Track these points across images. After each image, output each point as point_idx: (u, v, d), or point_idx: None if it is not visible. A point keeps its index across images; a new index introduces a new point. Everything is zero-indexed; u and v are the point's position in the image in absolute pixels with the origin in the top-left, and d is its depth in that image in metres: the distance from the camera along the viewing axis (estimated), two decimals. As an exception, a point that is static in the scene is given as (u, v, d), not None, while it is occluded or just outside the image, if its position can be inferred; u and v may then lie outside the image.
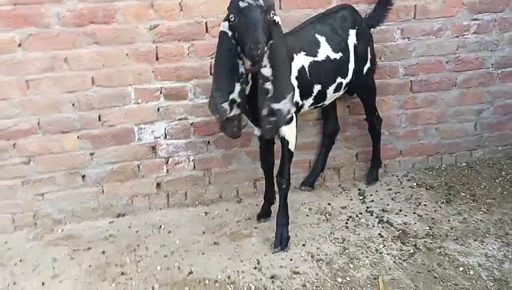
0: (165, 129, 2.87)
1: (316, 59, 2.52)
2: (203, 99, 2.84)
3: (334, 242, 2.62)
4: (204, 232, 2.75)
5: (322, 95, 2.62)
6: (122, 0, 2.58)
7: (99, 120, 2.75)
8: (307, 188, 3.15)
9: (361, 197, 3.09)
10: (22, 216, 2.83)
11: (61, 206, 2.86)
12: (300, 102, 2.53)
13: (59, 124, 2.70)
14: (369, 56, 2.81)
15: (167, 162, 2.95)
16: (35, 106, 2.63)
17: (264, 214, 2.83)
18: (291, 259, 2.49)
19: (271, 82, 2.18)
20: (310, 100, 2.59)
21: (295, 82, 2.43)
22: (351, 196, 3.11)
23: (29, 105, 2.62)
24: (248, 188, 3.12)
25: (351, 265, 2.43)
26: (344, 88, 2.74)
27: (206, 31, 2.73)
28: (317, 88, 2.56)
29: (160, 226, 2.83)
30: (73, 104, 2.68)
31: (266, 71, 2.17)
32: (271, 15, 2.09)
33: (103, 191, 2.90)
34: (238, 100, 2.23)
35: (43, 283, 2.36)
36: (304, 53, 2.49)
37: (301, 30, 2.59)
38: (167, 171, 2.97)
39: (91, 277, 2.41)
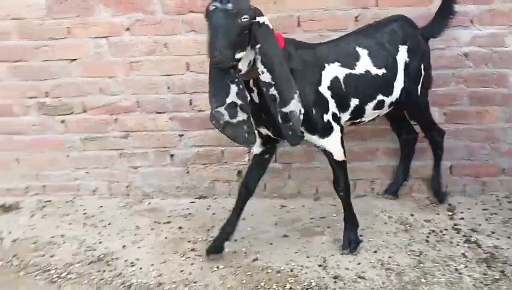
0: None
1: (353, 71, 2.34)
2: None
3: (409, 254, 2.45)
4: (276, 224, 2.77)
5: (359, 111, 2.41)
6: (222, -9, 2.70)
7: (190, 104, 2.92)
8: (389, 196, 2.98)
9: (449, 213, 2.84)
10: (117, 185, 3.13)
11: (151, 181, 3.10)
12: (338, 114, 2.34)
13: (155, 104, 2.92)
14: (422, 73, 2.55)
15: (249, 152, 3.02)
16: (136, 86, 2.88)
17: (213, 250, 2.45)
18: (358, 263, 2.39)
19: (274, 86, 2.02)
20: (346, 115, 2.39)
21: (327, 92, 2.27)
22: (438, 210, 2.87)
23: (131, 84, 2.88)
24: (327, 187, 3.04)
25: (423, 280, 2.25)
26: (389, 107, 2.51)
27: (298, 25, 2.74)
28: (354, 102, 2.37)
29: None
30: (168, 87, 2.89)
31: (265, 76, 2.01)
32: (243, 19, 1.91)
33: (188, 172, 3.07)
34: (239, 102, 2.06)
35: (123, 246, 2.58)
36: (339, 64, 2.31)
37: (340, 41, 2.43)
38: (248, 160, 3.04)
39: (164, 248, 2.57)
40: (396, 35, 2.45)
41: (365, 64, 2.37)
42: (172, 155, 3.05)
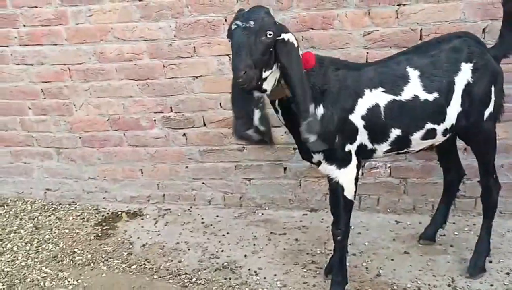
0: (365, 133, 2.94)
1: (397, 98, 2.08)
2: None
3: (546, 277, 2.30)
4: (394, 239, 2.73)
5: (403, 141, 2.17)
6: (341, 8, 2.74)
7: (306, 118, 2.97)
8: (426, 241, 2.66)
9: None
10: (231, 196, 3.25)
11: (264, 193, 3.19)
12: (370, 146, 2.15)
13: (271, 119, 3.00)
14: (493, 98, 2.20)
15: (363, 166, 3.01)
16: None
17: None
18: (491, 285, 2.29)
19: (295, 105, 1.95)
20: (385, 145, 2.16)
21: (360, 122, 2.08)
22: None
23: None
24: (445, 203, 2.96)
25: None
26: (445, 134, 2.21)
27: (420, 38, 2.70)
28: (395, 132, 2.12)
29: (350, 226, 2.90)
30: (285, 102, 2.97)
31: (287, 92, 1.97)
32: (268, 36, 1.82)
33: (300, 185, 3.12)
34: (262, 128, 1.99)
35: (245, 255, 2.67)
36: (382, 89, 2.08)
37: (390, 61, 2.18)
38: (362, 174, 3.02)
39: (284, 259, 2.63)
40: (458, 53, 2.13)
41: (413, 89, 2.09)
42: (285, 168, 3.12)
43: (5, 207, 3.42)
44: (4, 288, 2.48)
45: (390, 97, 2.08)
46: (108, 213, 3.29)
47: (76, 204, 3.43)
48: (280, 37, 1.87)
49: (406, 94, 2.09)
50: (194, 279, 2.49)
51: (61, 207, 3.39)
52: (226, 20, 2.89)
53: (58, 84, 3.23)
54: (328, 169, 2.15)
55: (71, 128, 3.33)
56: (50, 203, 3.45)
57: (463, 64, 2.13)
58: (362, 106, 2.08)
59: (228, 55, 2.94)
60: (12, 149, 3.48)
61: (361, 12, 2.74)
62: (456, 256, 2.53)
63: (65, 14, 3.07)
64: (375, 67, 2.14)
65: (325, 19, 2.77)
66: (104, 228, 3.10)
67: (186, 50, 2.99)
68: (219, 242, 2.85)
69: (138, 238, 2.95)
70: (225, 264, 2.61)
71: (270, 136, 2.07)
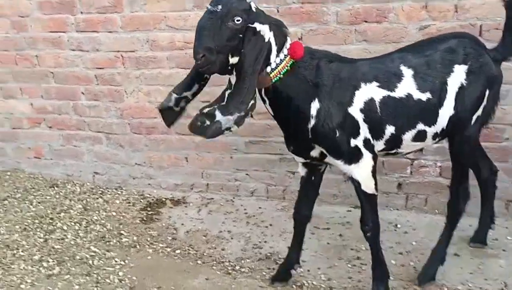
0: (416, 130, 2.87)
1: (392, 94, 2.02)
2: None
3: None
4: (443, 241, 2.65)
5: (395, 141, 2.10)
6: (397, 1, 2.68)
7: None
8: (477, 245, 2.57)
9: None
10: (275, 189, 3.25)
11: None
12: (372, 141, 2.08)
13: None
14: (484, 102, 2.13)
15: (412, 164, 2.94)
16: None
17: (278, 277, 2.38)
18: (549, 293, 2.18)
19: (230, 92, 1.90)
20: (380, 144, 2.10)
21: (359, 115, 2.02)
22: None
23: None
24: (498, 207, 2.83)
25: None
26: (435, 139, 2.15)
27: (480, 34, 2.61)
28: (390, 130, 2.06)
29: (396, 225, 2.85)
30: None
31: (232, 79, 1.92)
32: (236, 21, 1.78)
33: (345, 181, 3.07)
34: (190, 98, 2.03)
35: (288, 247, 2.66)
36: (378, 84, 2.02)
37: (385, 58, 2.13)
38: (411, 173, 2.95)
39: (328, 253, 2.60)
40: (453, 54, 2.06)
41: (407, 86, 2.03)
42: (330, 163, 3.08)
43: (55, 188, 3.54)
44: (54, 264, 2.57)
45: (385, 92, 2.03)
46: (153, 199, 3.36)
47: (122, 189, 3.51)
48: (252, 25, 1.83)
49: (400, 91, 2.03)
50: (237, 267, 2.50)
51: (108, 191, 3.49)
52: (278, 11, 2.88)
53: (111, 70, 3.32)
54: (337, 163, 2.10)
55: (121, 114, 3.41)
56: (98, 187, 3.55)
57: (456, 66, 2.06)
58: (360, 99, 2.02)
59: (278, 46, 2.93)
60: (64, 132, 3.60)
61: (418, 5, 2.67)
62: (509, 261, 2.43)
63: (121, 2, 3.15)
64: (370, 62, 2.10)
65: (379, 12, 2.71)
66: (149, 213, 3.16)
67: (237, 40, 3.00)
68: (262, 233, 2.85)
69: (182, 224, 3.00)
70: (268, 254, 2.61)
71: (178, 115, 2.06)
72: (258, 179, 3.27)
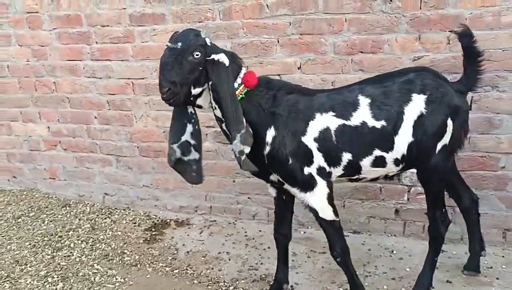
0: (412, 157, 2.92)
1: (347, 123, 2.12)
2: (458, 134, 2.78)
3: None
4: (437, 268, 2.65)
5: (354, 167, 2.17)
6: (391, 33, 2.79)
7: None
8: (470, 273, 2.58)
9: None
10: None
11: (306, 211, 3.21)
12: (328, 168, 2.16)
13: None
14: (448, 132, 2.16)
15: (409, 191, 2.98)
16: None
17: None
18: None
19: (225, 123, 2.07)
20: (339, 170, 2.18)
21: (313, 144, 2.11)
22: None
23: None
24: (495, 236, 2.85)
25: None
26: (397, 165, 2.19)
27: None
28: (346, 156, 2.14)
29: (392, 251, 2.87)
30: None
31: (218, 113, 2.09)
32: (195, 56, 1.97)
33: (344, 206, 3.13)
34: (192, 141, 2.13)
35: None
36: (333, 113, 2.12)
37: (343, 89, 2.23)
38: (408, 199, 2.99)
39: (322, 276, 2.65)
40: (411, 84, 2.14)
41: (362, 115, 2.12)
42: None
43: (67, 208, 3.70)
44: (58, 280, 2.69)
45: (340, 121, 2.12)
46: (158, 220, 3.47)
47: (130, 210, 3.65)
48: (210, 57, 2.00)
49: (355, 119, 2.12)
50: (231, 288, 2.57)
51: (116, 211, 3.62)
52: (278, 41, 3.02)
53: (122, 96, 3.51)
54: (293, 191, 2.19)
55: (130, 137, 3.58)
56: (107, 207, 3.69)
57: (414, 95, 2.13)
58: (314, 129, 2.12)
59: (278, 75, 3.07)
60: (78, 154, 3.79)
61: (411, 37, 2.76)
62: (502, 289, 2.43)
63: (133, 33, 3.35)
64: (328, 94, 2.20)
65: (375, 43, 2.82)
66: (153, 233, 3.27)
67: (240, 69, 3.15)
68: (259, 255, 2.92)
69: (183, 245, 3.09)
70: (263, 276, 2.68)
71: (200, 168, 2.16)
72: (259, 203, 3.36)
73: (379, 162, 2.17)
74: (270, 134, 2.10)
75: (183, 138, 2.13)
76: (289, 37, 2.99)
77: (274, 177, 2.21)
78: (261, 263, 2.82)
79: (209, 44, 2.04)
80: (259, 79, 2.15)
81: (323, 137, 2.11)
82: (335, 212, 2.19)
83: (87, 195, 3.83)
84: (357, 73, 2.89)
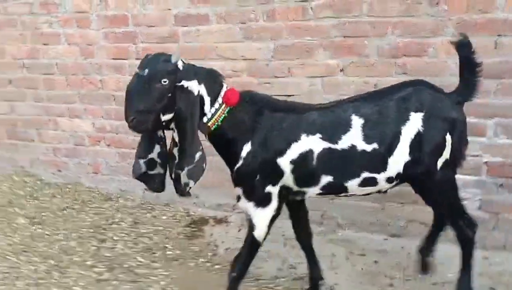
0: (455, 162, 2.90)
1: (333, 146, 2.05)
2: (503, 139, 2.75)
3: None
4: (480, 275, 2.63)
5: (337, 187, 2.13)
6: (437, 37, 2.77)
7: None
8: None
9: None
10: (313, 213, 3.28)
11: (345, 213, 3.24)
12: (295, 188, 2.14)
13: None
14: (447, 147, 2.09)
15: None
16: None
17: None
18: None
19: (178, 149, 2.04)
20: (316, 189, 2.14)
21: (288, 166, 2.07)
22: None
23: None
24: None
25: None
26: (389, 182, 2.13)
27: (518, 70, 2.64)
28: (326, 179, 2.09)
29: (430, 256, 2.85)
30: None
31: (175, 136, 2.06)
32: (163, 83, 1.92)
33: (383, 209, 3.13)
34: (158, 160, 2.14)
35: (322, 270, 2.74)
36: (320, 136, 2.05)
37: (338, 106, 2.13)
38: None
39: (361, 278, 2.66)
40: (407, 102, 2.06)
41: (352, 138, 2.04)
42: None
43: (109, 201, 3.83)
44: (104, 270, 2.80)
45: (326, 144, 2.06)
46: (197, 217, 3.55)
47: (169, 206, 3.74)
48: (180, 84, 1.97)
49: (344, 143, 2.05)
50: (272, 285, 2.62)
51: (157, 207, 3.72)
52: (321, 44, 3.05)
53: (165, 95, 3.60)
54: (246, 205, 2.16)
55: (170, 134, 3.66)
56: (148, 202, 3.79)
57: (412, 113, 2.06)
58: (295, 151, 2.07)
59: (320, 77, 3.09)
60: (120, 150, 3.91)
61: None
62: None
63: (177, 33, 3.44)
64: (319, 113, 2.12)
65: (419, 46, 2.81)
66: (193, 229, 3.35)
67: (281, 70, 3.19)
68: (297, 254, 2.94)
69: (223, 242, 3.15)
70: (303, 275, 2.70)
71: (163, 179, 2.19)
72: (297, 203, 3.39)
73: (369, 182, 2.12)
74: (246, 149, 2.08)
75: (150, 156, 2.14)
76: (332, 40, 3.01)
77: (236, 192, 2.20)
78: (300, 263, 2.84)
79: (180, 68, 2.00)
80: (241, 95, 2.12)
81: (301, 160, 2.07)
82: (265, 236, 2.21)
83: (128, 190, 3.94)
84: (401, 76, 2.88)
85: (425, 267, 2.57)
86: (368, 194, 2.25)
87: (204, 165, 2.04)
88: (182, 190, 2.06)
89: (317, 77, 3.10)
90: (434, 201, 2.23)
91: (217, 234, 3.28)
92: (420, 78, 2.31)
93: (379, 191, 2.23)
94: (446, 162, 2.12)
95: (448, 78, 2.78)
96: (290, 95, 3.20)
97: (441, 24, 2.74)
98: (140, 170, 2.15)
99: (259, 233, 2.17)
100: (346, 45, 2.97)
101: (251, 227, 2.18)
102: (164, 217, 3.55)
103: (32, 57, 4.01)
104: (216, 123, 2.08)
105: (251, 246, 2.21)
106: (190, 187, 2.04)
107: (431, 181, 2.13)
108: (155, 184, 2.21)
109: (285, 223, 3.32)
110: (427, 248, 2.55)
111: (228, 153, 2.15)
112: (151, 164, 2.15)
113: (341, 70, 3.03)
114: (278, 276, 2.71)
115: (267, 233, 2.20)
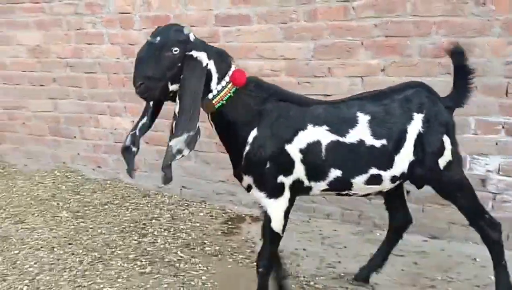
0: (499, 164, 2.85)
1: (342, 139, 2.05)
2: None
3: None
4: (523, 277, 2.58)
5: (343, 183, 2.12)
6: (483, 37, 2.74)
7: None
8: (359, 283, 2.58)
9: None
10: (350, 213, 3.34)
11: (383, 214, 3.20)
12: (306, 183, 2.11)
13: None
14: (448, 147, 2.15)
15: (494, 199, 2.90)
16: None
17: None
18: None
19: (175, 118, 1.95)
20: (322, 184, 2.12)
21: (297, 155, 2.05)
22: None
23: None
24: None
25: None
26: (393, 182, 2.15)
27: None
28: (335, 173, 2.08)
29: (475, 258, 2.82)
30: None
31: (176, 108, 1.97)
32: (173, 52, 1.92)
33: (423, 210, 3.10)
34: (138, 134, 2.10)
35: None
36: (327, 128, 2.05)
37: (341, 104, 2.15)
38: (492, 207, 2.91)
39: (402, 279, 2.65)
40: (410, 103, 2.11)
41: (360, 133, 2.06)
42: (408, 192, 3.12)
43: (147, 197, 3.91)
44: (146, 264, 2.86)
45: (334, 137, 2.06)
46: (233, 215, 3.59)
47: (206, 203, 3.80)
48: (189, 53, 1.96)
49: (352, 137, 2.06)
50: (311, 283, 2.63)
51: (193, 204, 3.79)
52: (362, 43, 3.05)
53: (204, 94, 3.66)
54: (258, 196, 2.15)
55: (209, 133, 3.71)
56: (184, 199, 3.86)
57: (415, 114, 2.11)
58: (302, 140, 2.06)
59: (361, 77, 3.09)
60: (158, 148, 3.99)
61: (504, 41, 2.71)
62: None
63: (218, 33, 3.49)
64: (326, 106, 2.14)
65: (465, 47, 2.75)
66: (230, 226, 3.40)
67: (321, 70, 3.20)
68: (336, 254, 2.96)
69: (260, 239, 3.17)
70: (342, 274, 2.71)
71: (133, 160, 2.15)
72: (334, 203, 3.39)
73: (375, 180, 2.13)
74: (253, 134, 2.06)
75: (136, 130, 2.15)
76: (374, 39, 3.01)
77: (245, 183, 2.18)
78: (339, 262, 2.86)
79: (192, 40, 2.00)
80: (249, 79, 2.12)
81: (310, 151, 2.07)
82: (284, 228, 2.19)
83: (166, 187, 4.01)
84: (444, 76, 2.85)
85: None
86: (367, 194, 2.28)
87: (198, 137, 1.99)
88: (171, 159, 1.96)
89: (358, 77, 3.10)
90: (454, 199, 2.26)
91: (254, 231, 3.30)
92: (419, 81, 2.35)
93: (379, 193, 2.28)
94: (449, 163, 2.16)
95: (494, 79, 2.76)
96: (329, 95, 3.22)
97: (487, 24, 2.71)
98: (125, 143, 2.15)
99: (276, 225, 2.17)
100: (388, 44, 2.97)
101: (268, 219, 2.17)
102: (201, 214, 3.61)
103: (76, 56, 4.14)
104: (221, 102, 2.05)
105: (272, 239, 2.21)
106: (183, 155, 1.95)
107: (437, 182, 2.21)
108: (129, 163, 2.18)
109: (321, 223, 3.37)
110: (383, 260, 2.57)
111: (230, 136, 2.12)
112: (134, 138, 2.14)
113: (382, 70, 3.02)
114: (317, 275, 2.71)
115: (285, 224, 2.19)
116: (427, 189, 2.98)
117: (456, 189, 2.23)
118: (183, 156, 1.96)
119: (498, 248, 2.26)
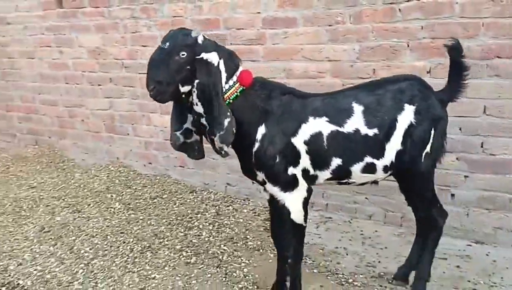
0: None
1: (340, 129, 2.17)
2: None
3: None
4: None
5: (343, 171, 2.23)
6: (534, 37, 2.69)
7: (481, 146, 2.93)
8: (398, 282, 2.59)
9: None
10: (393, 215, 3.34)
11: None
12: (312, 171, 2.23)
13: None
14: (430, 140, 2.25)
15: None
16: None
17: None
18: None
19: (205, 118, 2.12)
20: (326, 173, 2.24)
21: (302, 146, 2.17)
22: None
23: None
24: None
25: None
26: (386, 171, 2.26)
27: None
28: (336, 161, 2.20)
29: (494, 260, 2.76)
30: (460, 128, 2.98)
31: (198, 108, 2.13)
32: (181, 56, 2.04)
33: (468, 214, 3.06)
34: (193, 128, 2.25)
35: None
36: (327, 119, 2.17)
37: (338, 94, 2.28)
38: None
39: (443, 282, 2.63)
40: (402, 94, 2.21)
41: (356, 122, 2.17)
42: (453, 195, 3.09)
43: (194, 193, 4.07)
44: (191, 255, 3.01)
45: (333, 127, 2.18)
46: (276, 212, 3.68)
47: (249, 200, 3.91)
48: (199, 56, 2.07)
49: (349, 126, 2.18)
50: (350, 280, 2.67)
51: (237, 201, 3.91)
52: (408, 45, 3.05)
53: (250, 94, 3.78)
54: (273, 190, 2.23)
55: (254, 133, 3.84)
56: (229, 196, 3.99)
57: (406, 105, 2.20)
58: (306, 132, 2.18)
59: (406, 78, 3.08)
60: (205, 146, 4.11)
61: (557, 42, 2.63)
62: None
63: (265, 36, 3.60)
64: (322, 99, 2.24)
65: (513, 48, 2.73)
66: (272, 223, 3.48)
67: (366, 71, 3.23)
68: (377, 253, 2.98)
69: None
70: (382, 274, 2.73)
71: (201, 146, 2.33)
72: (376, 204, 3.40)
73: (370, 168, 2.24)
74: (261, 131, 2.17)
75: (185, 126, 2.27)
76: (420, 41, 3.01)
77: (260, 177, 2.26)
78: (379, 261, 2.88)
79: (200, 42, 2.10)
80: (255, 79, 2.23)
81: (313, 141, 2.18)
82: (305, 218, 2.28)
83: (211, 184, 4.17)
84: (492, 78, 2.82)
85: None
86: (363, 184, 2.36)
87: (234, 129, 2.12)
88: (219, 152, 2.18)
89: (403, 79, 3.09)
90: (416, 191, 2.36)
91: (296, 229, 3.38)
92: (413, 74, 2.43)
93: (373, 182, 2.37)
94: (427, 155, 2.28)
95: (544, 81, 2.69)
96: (373, 96, 3.24)
97: (538, 25, 2.65)
98: (179, 141, 2.29)
99: (296, 216, 2.26)
100: (435, 46, 2.96)
101: (287, 212, 2.25)
102: (244, 211, 3.72)
103: (131, 58, 4.38)
104: (228, 100, 2.16)
105: (296, 230, 2.29)
106: (225, 151, 2.15)
107: (416, 171, 2.28)
108: (195, 152, 2.35)
109: (363, 223, 3.39)
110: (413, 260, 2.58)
111: (239, 134, 2.17)
112: (187, 133, 2.29)
113: (428, 72, 3.01)
114: (356, 273, 2.75)
115: (306, 214, 2.28)
116: (474, 193, 2.97)
117: (425, 180, 2.35)
118: (225, 151, 2.16)
119: (439, 235, 2.42)
